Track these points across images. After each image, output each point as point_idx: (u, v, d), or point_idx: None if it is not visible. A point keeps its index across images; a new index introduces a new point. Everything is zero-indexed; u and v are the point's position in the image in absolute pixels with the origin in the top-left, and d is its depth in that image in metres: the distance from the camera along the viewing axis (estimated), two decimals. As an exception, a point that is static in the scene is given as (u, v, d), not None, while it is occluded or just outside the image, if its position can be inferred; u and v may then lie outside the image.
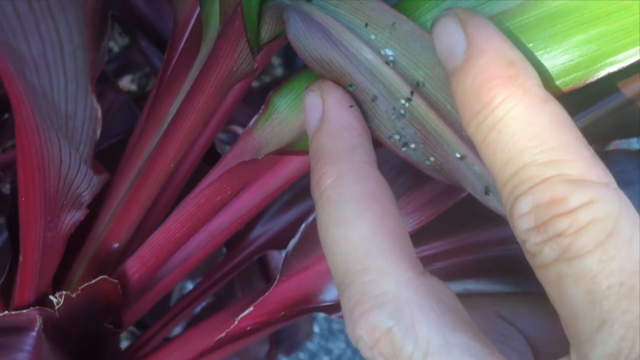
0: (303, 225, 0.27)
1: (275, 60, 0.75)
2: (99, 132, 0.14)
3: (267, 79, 0.74)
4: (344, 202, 0.17)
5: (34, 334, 0.25)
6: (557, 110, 0.16)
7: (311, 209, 0.29)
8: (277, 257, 0.43)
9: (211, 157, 0.33)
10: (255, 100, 0.51)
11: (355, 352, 0.83)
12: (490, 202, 0.18)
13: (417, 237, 0.28)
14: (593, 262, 0.14)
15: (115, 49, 0.66)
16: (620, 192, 0.15)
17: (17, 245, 0.29)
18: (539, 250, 0.15)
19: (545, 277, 0.15)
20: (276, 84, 0.21)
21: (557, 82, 0.17)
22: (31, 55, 0.12)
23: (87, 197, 0.19)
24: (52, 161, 0.17)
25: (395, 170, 0.28)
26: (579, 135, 0.16)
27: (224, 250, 0.44)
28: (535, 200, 0.15)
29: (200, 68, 0.22)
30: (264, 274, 0.43)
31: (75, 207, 0.20)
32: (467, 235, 0.32)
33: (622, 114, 0.23)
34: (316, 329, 0.82)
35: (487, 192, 0.18)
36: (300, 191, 0.38)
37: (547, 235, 0.15)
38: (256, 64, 0.20)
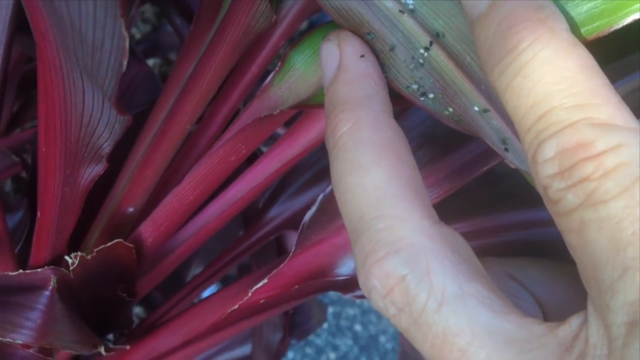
0: (321, 196, 0.27)
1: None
2: (125, 64, 0.14)
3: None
4: (359, 149, 0.17)
5: (47, 293, 0.25)
6: (585, 55, 0.15)
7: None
8: (294, 239, 0.43)
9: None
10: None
11: (362, 349, 0.82)
12: (508, 155, 0.18)
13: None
14: (619, 207, 0.14)
15: (137, 35, 0.67)
16: None
17: (34, 212, 0.29)
18: (562, 196, 0.14)
19: (567, 224, 0.15)
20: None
21: (582, 30, 0.17)
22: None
23: (107, 149, 0.19)
24: (75, 106, 0.17)
25: (415, 143, 0.28)
26: (607, 81, 0.15)
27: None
28: (560, 144, 0.14)
29: (219, 24, 0.21)
30: (280, 255, 0.43)
31: (95, 160, 0.20)
32: (486, 219, 0.31)
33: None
34: (324, 324, 0.82)
35: (504, 143, 0.18)
36: (318, 172, 0.38)
37: (572, 180, 0.14)
38: (275, 17, 0.20)
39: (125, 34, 0.13)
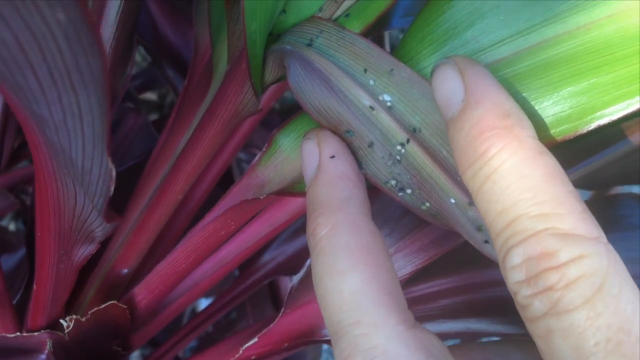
0: (308, 261, 0.28)
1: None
2: (112, 188, 0.15)
3: (290, 97, 0.74)
4: (337, 254, 0.17)
5: (43, 356, 0.25)
6: (550, 163, 0.16)
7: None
8: (288, 281, 0.44)
9: (226, 182, 0.33)
10: (275, 123, 0.52)
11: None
12: (486, 248, 0.18)
13: (423, 274, 0.28)
14: (581, 317, 0.14)
15: (134, 69, 0.67)
16: (610, 247, 0.15)
17: (34, 260, 0.30)
18: (529, 303, 0.15)
19: (535, 330, 0.15)
20: (298, 107, 0.21)
21: (550, 132, 0.18)
22: (52, 120, 0.13)
23: (99, 234, 0.20)
24: (67, 202, 0.18)
25: (400, 211, 0.28)
26: (571, 188, 0.16)
27: (237, 272, 0.45)
28: (526, 253, 0.15)
29: (209, 104, 0.22)
30: (274, 297, 0.43)
31: (87, 241, 0.21)
32: (473, 274, 0.32)
33: (625, 163, 0.23)
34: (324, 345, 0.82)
35: (480, 230, 0.18)
36: (311, 219, 0.39)
37: (537, 289, 0.15)
38: (260, 106, 0.21)
39: (112, 166, 0.14)
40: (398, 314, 0.17)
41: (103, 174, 0.14)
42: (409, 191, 0.19)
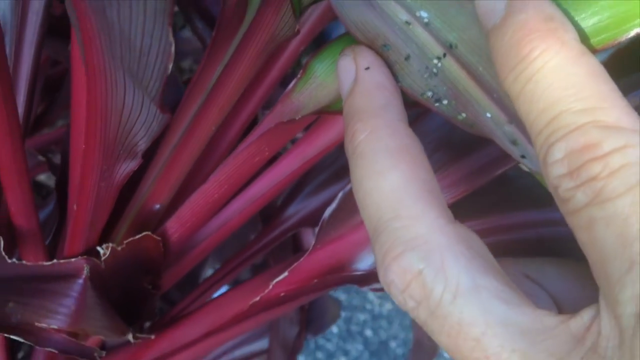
0: (341, 194, 0.28)
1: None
2: (170, 67, 0.15)
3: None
4: (376, 155, 0.18)
5: (80, 281, 0.26)
6: (593, 63, 0.16)
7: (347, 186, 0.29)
8: (310, 237, 0.44)
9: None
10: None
11: (372, 354, 0.83)
12: (522, 159, 0.19)
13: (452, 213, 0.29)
14: (625, 204, 0.15)
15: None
16: None
17: (64, 208, 0.30)
18: (572, 195, 0.15)
19: (577, 221, 0.15)
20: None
21: (590, 42, 0.18)
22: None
23: (142, 146, 0.21)
24: (115, 105, 0.18)
25: (432, 147, 0.29)
26: (614, 86, 0.16)
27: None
28: (569, 147, 0.15)
29: (245, 31, 0.23)
30: (296, 253, 0.44)
31: (130, 156, 0.21)
32: (500, 217, 0.32)
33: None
34: (335, 329, 0.83)
35: (515, 144, 0.18)
36: (335, 172, 0.39)
37: (580, 180, 0.15)
38: (298, 27, 0.21)
39: (172, 40, 0.14)
40: (439, 209, 0.17)
41: (162, 51, 0.15)
42: (445, 102, 0.19)
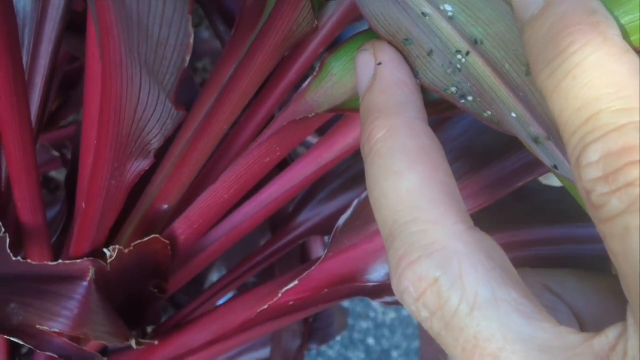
0: (356, 202, 0.27)
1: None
2: (187, 60, 0.14)
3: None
4: (394, 155, 0.17)
5: (85, 283, 0.25)
6: (636, 62, 0.15)
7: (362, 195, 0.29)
8: (319, 248, 0.43)
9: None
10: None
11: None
12: (548, 164, 0.18)
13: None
14: None
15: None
16: None
17: (72, 207, 0.30)
18: (605, 201, 0.14)
19: (610, 230, 0.14)
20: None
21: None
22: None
23: (156, 144, 0.20)
24: (130, 100, 0.18)
25: (452, 156, 0.28)
26: None
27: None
28: (606, 148, 0.14)
29: (262, 26, 0.22)
30: (304, 263, 0.43)
31: (143, 155, 0.21)
32: (517, 233, 0.31)
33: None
34: (337, 337, 0.82)
35: (537, 142, 0.18)
36: (349, 179, 0.38)
37: (617, 185, 0.14)
38: (316, 23, 0.20)
39: (191, 30, 0.13)
40: (458, 214, 0.16)
41: (180, 43, 0.14)
42: (470, 98, 0.18)
